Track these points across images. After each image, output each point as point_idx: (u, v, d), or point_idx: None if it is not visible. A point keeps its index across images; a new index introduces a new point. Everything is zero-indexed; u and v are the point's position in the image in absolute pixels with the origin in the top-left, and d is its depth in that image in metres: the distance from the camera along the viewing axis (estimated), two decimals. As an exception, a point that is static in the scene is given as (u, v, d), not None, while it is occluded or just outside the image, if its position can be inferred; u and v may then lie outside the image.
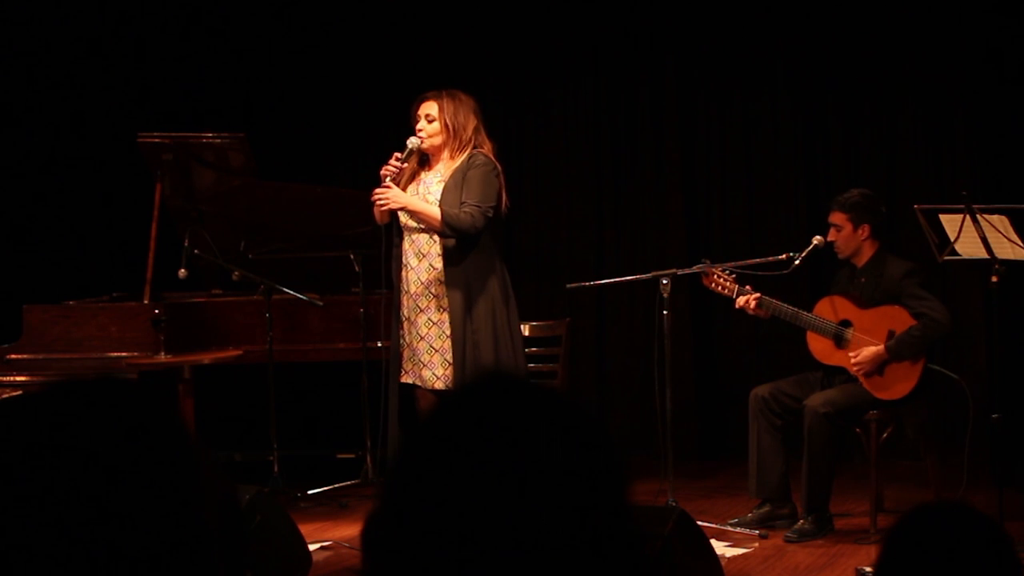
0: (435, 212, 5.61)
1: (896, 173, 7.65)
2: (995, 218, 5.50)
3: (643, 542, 1.29)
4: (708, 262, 6.23)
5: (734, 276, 6.21)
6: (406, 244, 5.76)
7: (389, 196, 5.65)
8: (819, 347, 6.13)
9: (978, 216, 5.50)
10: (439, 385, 5.67)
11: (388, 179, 5.66)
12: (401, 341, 5.79)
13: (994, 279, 5.60)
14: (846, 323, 6.09)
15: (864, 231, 6.13)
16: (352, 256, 6.81)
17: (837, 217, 6.16)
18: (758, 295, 6.14)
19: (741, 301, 6.15)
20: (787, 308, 6.13)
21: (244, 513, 1.87)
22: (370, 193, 5.77)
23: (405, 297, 5.75)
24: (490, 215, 5.65)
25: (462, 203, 5.61)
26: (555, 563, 1.20)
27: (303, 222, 7.09)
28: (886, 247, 6.22)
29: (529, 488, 1.21)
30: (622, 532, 1.25)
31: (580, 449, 1.25)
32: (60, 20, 7.93)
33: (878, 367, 5.98)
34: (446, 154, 5.75)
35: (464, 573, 1.19)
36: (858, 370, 5.98)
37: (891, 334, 5.96)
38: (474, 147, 5.72)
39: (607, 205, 8.13)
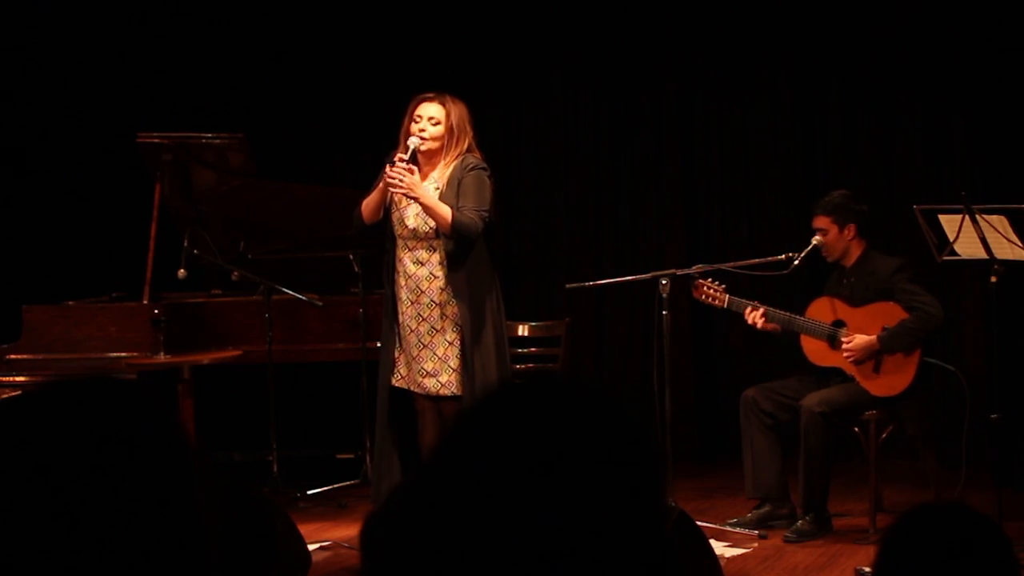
0: (446, 212, 5.50)
1: (896, 173, 7.65)
2: (994, 218, 5.51)
3: (669, 553, 1.28)
4: (699, 269, 6.23)
5: (724, 286, 6.21)
6: (401, 252, 5.69)
7: (407, 181, 5.49)
8: (813, 349, 6.13)
9: (977, 216, 5.50)
10: (445, 392, 5.60)
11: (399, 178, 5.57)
12: (396, 348, 5.75)
13: (993, 279, 5.60)
14: (839, 323, 6.08)
15: (850, 231, 6.12)
16: (352, 256, 6.80)
17: (821, 221, 6.16)
18: (763, 309, 6.11)
19: (750, 319, 6.13)
20: (781, 314, 6.12)
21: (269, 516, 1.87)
22: (369, 194, 5.73)
23: (402, 305, 5.69)
24: (487, 219, 5.60)
25: (460, 207, 5.53)
26: (581, 563, 1.20)
27: (303, 222, 7.09)
28: (872, 246, 6.21)
29: (569, 487, 1.20)
30: (652, 539, 1.24)
31: (623, 455, 1.24)
32: (60, 19, 7.93)
33: (874, 364, 5.97)
34: (441, 159, 5.66)
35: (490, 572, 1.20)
36: (849, 356, 5.97)
37: (885, 330, 5.95)
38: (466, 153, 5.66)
39: (607, 206, 8.13)
